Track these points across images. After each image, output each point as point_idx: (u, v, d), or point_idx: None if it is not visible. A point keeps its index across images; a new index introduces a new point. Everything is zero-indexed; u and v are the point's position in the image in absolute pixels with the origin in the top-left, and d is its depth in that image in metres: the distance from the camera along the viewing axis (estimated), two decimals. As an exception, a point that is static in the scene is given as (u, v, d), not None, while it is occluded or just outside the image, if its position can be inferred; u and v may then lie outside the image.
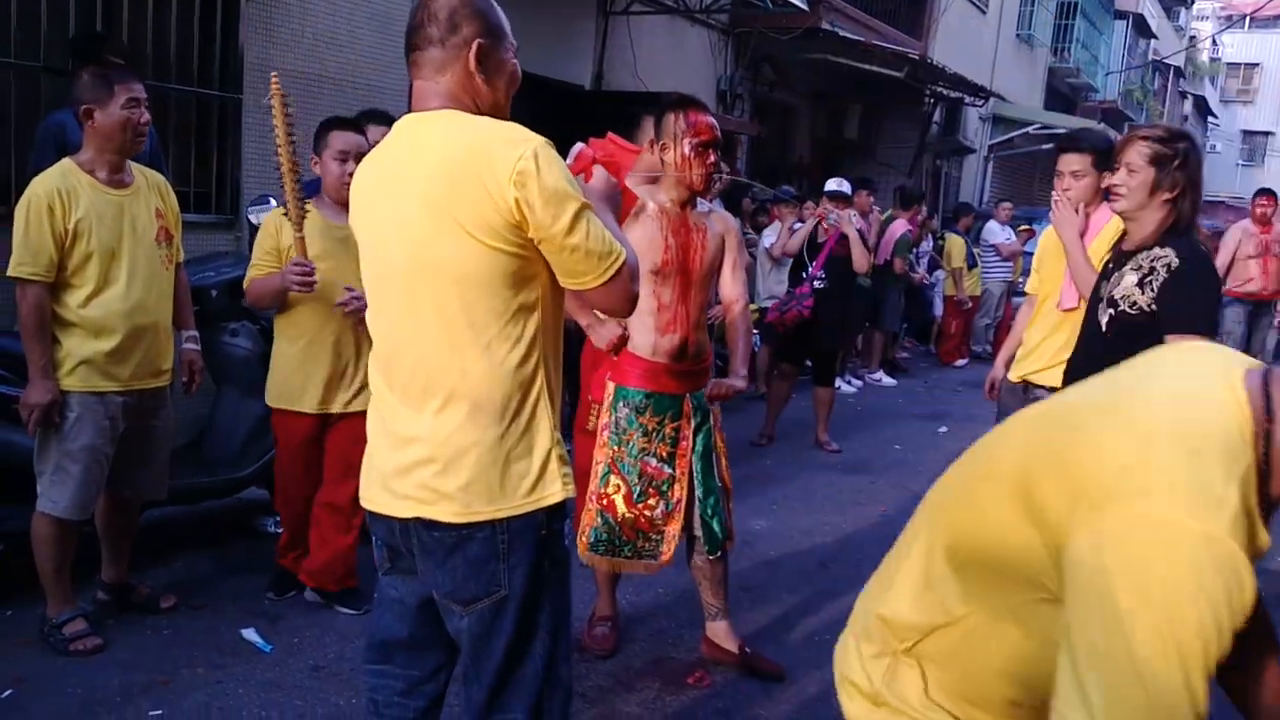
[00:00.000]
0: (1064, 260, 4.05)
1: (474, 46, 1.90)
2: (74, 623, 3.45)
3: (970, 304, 11.27)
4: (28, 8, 4.63)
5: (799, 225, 7.73)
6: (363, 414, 3.68)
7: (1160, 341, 2.93)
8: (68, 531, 3.39)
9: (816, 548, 4.98)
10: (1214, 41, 37.25)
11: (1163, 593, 1.17)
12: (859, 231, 7.34)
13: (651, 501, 3.42)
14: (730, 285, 3.61)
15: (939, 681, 1.52)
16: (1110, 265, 3.20)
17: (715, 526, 3.48)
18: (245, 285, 3.74)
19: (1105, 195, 3.53)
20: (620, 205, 2.41)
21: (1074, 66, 21.63)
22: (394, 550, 2.04)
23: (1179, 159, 3.03)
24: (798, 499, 5.80)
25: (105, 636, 3.49)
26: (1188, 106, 35.34)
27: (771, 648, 3.77)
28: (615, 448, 3.43)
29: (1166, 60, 30.12)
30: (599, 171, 2.27)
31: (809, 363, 7.21)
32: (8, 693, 3.17)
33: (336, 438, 3.77)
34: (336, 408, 3.75)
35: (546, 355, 1.93)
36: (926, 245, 10.97)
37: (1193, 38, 34.08)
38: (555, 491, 1.92)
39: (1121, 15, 24.92)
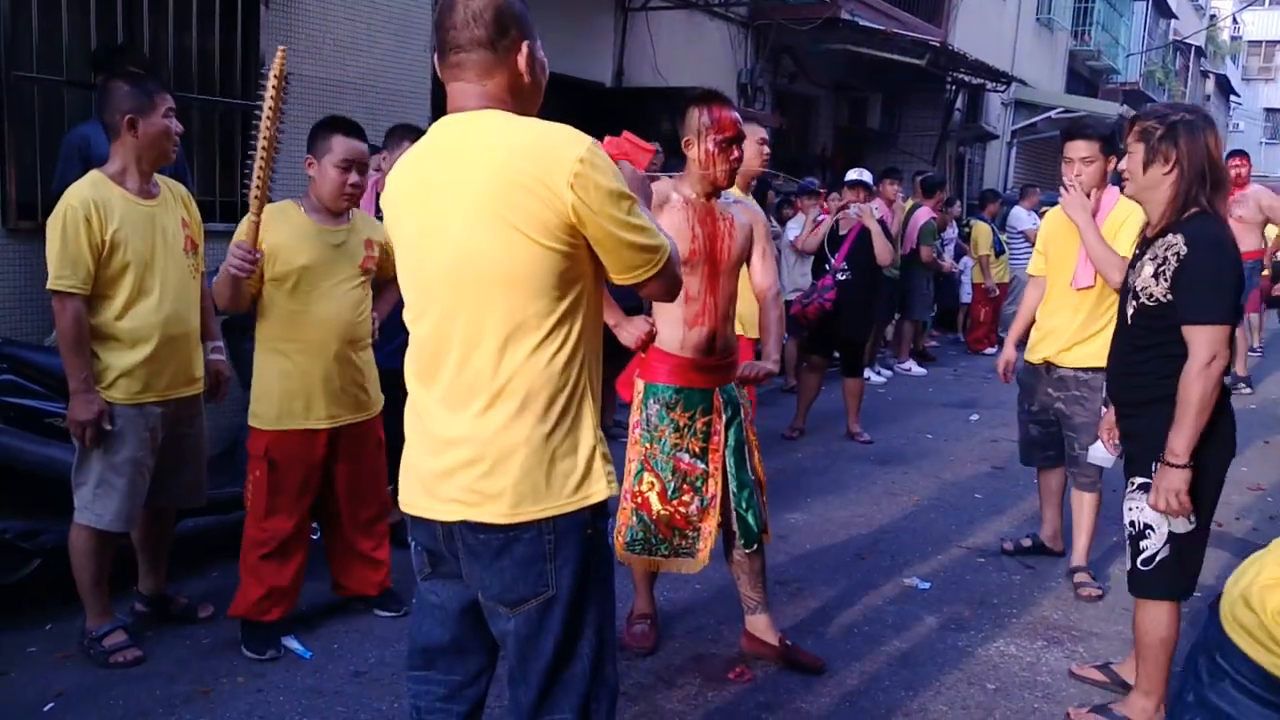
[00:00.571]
0: (1072, 241, 4.11)
1: (524, 48, 1.90)
2: (114, 634, 3.45)
3: (998, 291, 11.18)
4: (49, 22, 4.64)
5: (823, 218, 7.69)
6: (363, 422, 3.71)
7: (1179, 334, 2.89)
8: (106, 543, 3.39)
9: (852, 540, 4.94)
10: (1234, 19, 36.84)
11: None
12: (881, 223, 7.29)
13: (686, 498, 3.40)
14: (761, 273, 3.60)
15: None
16: (1137, 254, 3.14)
17: (750, 520, 3.46)
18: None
19: (1116, 179, 3.54)
20: (650, 197, 2.42)
21: (1095, 49, 21.51)
22: (435, 555, 2.02)
23: (1163, 129, 2.97)
24: (831, 491, 5.76)
25: (144, 648, 3.49)
26: (1210, 86, 35.03)
27: (811, 641, 3.74)
28: (648, 445, 3.41)
29: (1187, 40, 29.89)
30: (625, 166, 2.26)
31: (836, 354, 7.17)
32: (49, 706, 3.17)
33: (346, 448, 3.62)
34: (346, 418, 3.59)
35: (589, 353, 1.92)
36: (951, 232, 10.90)
37: (1213, 16, 33.73)
38: (600, 489, 1.91)
39: (1141, -5, 24.77)
